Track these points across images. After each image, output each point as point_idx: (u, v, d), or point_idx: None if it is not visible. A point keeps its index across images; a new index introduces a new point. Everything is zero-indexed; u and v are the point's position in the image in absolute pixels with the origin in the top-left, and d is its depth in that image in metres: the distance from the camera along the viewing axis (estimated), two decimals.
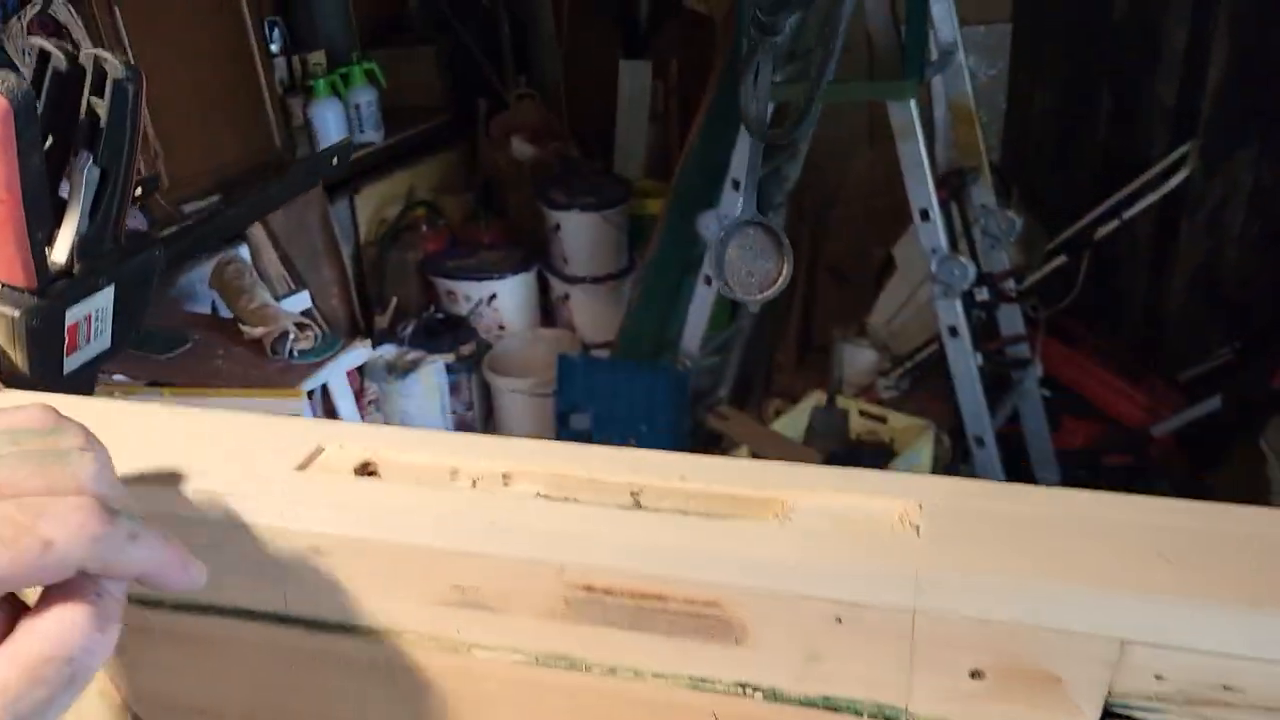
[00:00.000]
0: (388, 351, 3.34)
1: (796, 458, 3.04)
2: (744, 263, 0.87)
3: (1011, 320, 2.87)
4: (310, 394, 2.63)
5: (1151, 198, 3.04)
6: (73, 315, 0.52)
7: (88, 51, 0.51)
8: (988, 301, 2.73)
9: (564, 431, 3.26)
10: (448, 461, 0.44)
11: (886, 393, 3.61)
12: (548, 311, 3.92)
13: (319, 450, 0.45)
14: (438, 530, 0.41)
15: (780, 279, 0.85)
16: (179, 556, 0.39)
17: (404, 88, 3.92)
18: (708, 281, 2.99)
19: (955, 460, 3.38)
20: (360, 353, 2.64)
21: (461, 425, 3.60)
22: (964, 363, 2.60)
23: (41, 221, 0.49)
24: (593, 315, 3.80)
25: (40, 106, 0.52)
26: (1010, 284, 2.84)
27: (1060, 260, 3.11)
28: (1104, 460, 3.22)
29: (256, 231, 3.34)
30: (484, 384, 3.61)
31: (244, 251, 3.35)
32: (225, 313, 3.05)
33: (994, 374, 2.82)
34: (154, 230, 3.10)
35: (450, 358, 3.49)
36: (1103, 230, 3.08)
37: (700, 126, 3.14)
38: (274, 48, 3.55)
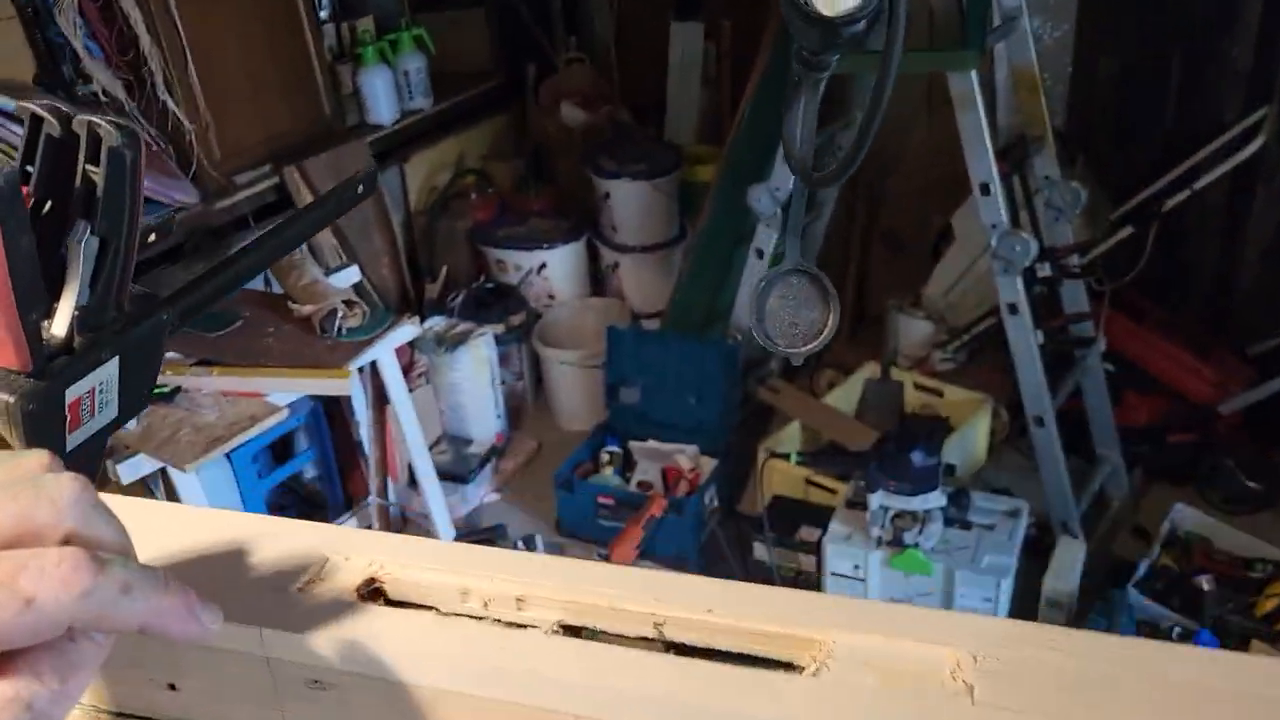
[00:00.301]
0: (437, 323, 3.32)
1: (850, 432, 2.99)
2: (787, 313, 0.82)
3: (1075, 297, 2.78)
4: (361, 370, 2.64)
5: (1224, 166, 2.92)
6: (74, 392, 0.49)
7: (81, 118, 0.47)
8: (1050, 277, 2.64)
9: (613, 403, 3.24)
10: (459, 580, 0.41)
11: (943, 365, 3.54)
12: (597, 280, 3.88)
13: (322, 563, 0.42)
14: (444, 669, 0.38)
15: (826, 329, 0.80)
16: (183, 605, 0.35)
17: (452, 53, 3.88)
18: (759, 254, 2.93)
19: (1012, 435, 3.31)
20: (408, 330, 2.63)
21: (511, 395, 3.59)
22: (1024, 341, 2.52)
23: (35, 302, 0.46)
24: (643, 284, 3.76)
25: (35, 173, 0.49)
26: (1074, 259, 2.74)
27: (1126, 231, 3.01)
28: (1168, 438, 3.13)
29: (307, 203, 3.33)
30: (534, 353, 3.60)
31: None
32: (277, 287, 3.06)
33: (1055, 352, 2.73)
34: (207, 203, 3.11)
35: (500, 328, 3.47)
36: (1172, 200, 2.96)
37: (751, 97, 3.06)
38: (322, 14, 3.52)
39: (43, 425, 0.48)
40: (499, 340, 3.40)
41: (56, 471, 0.36)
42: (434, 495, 2.84)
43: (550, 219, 3.81)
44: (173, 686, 0.41)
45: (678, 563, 2.97)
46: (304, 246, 3.04)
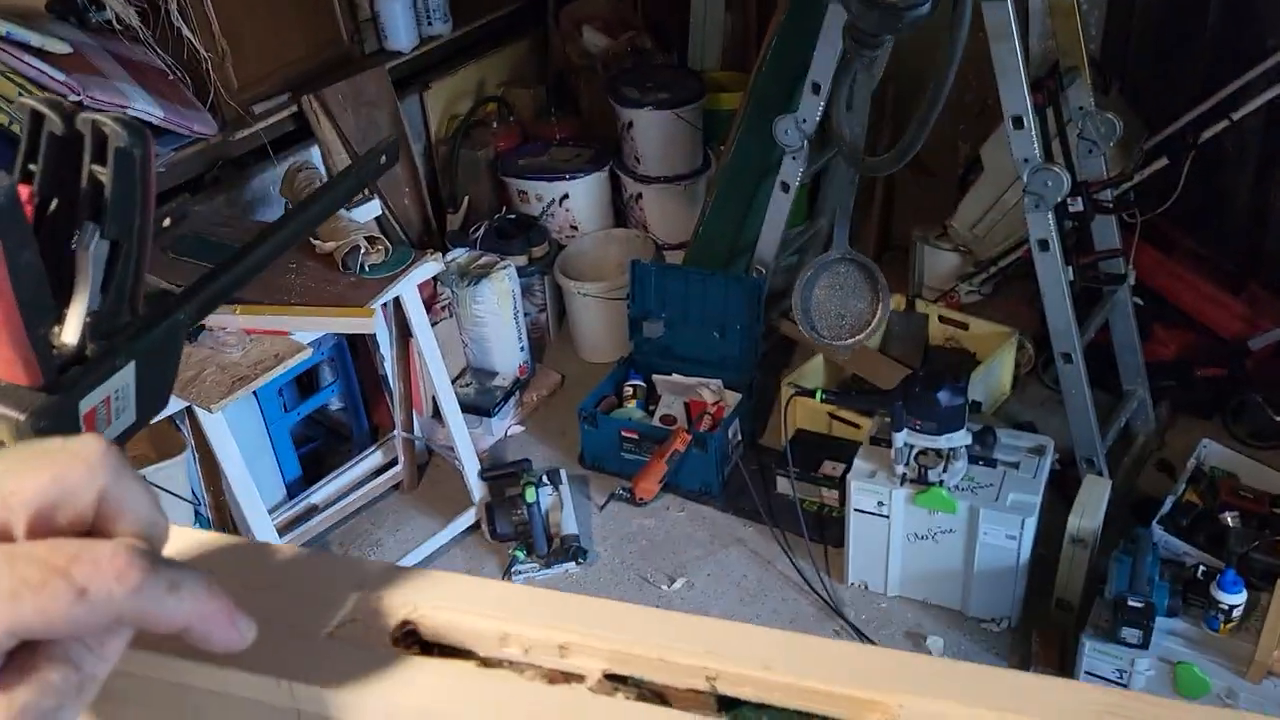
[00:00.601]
0: (459, 255, 3.30)
1: (874, 366, 2.97)
2: (834, 303, 0.80)
3: (1105, 231, 2.72)
4: (384, 305, 2.62)
5: (1265, 95, 2.83)
6: (88, 403, 0.48)
7: (84, 116, 0.45)
8: (1082, 213, 2.58)
9: (636, 337, 3.23)
10: (498, 625, 0.39)
11: (968, 297, 3.50)
12: (620, 211, 3.84)
13: (354, 604, 0.40)
14: None
15: (875, 320, 0.78)
16: (224, 610, 0.35)
17: None
18: (785, 188, 2.88)
19: (1036, 367, 3.28)
20: (431, 266, 2.61)
21: (534, 328, 3.57)
22: (1054, 278, 2.48)
23: (43, 314, 0.45)
24: (666, 215, 3.71)
25: (38, 172, 0.47)
26: (1107, 193, 2.68)
27: (1161, 163, 2.94)
28: (1196, 372, 3.09)
29: (327, 133, 3.30)
30: (556, 285, 3.57)
31: (315, 154, 3.31)
32: None
33: (1085, 287, 2.69)
34: (226, 133, 3.08)
35: (522, 260, 3.45)
36: (1209, 130, 2.88)
37: (777, 26, 2.98)
38: None
39: None
40: (521, 272, 3.38)
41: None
42: (458, 429, 2.85)
43: (572, 148, 3.75)
44: None
45: (701, 496, 2.98)
46: (324, 179, 3.01)
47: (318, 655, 0.39)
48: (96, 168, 0.46)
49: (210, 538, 0.45)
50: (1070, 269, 2.52)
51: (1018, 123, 2.37)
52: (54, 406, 0.46)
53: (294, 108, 3.27)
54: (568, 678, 0.38)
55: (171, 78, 2.93)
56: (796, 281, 0.89)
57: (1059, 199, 2.40)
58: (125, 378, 0.50)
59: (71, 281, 0.48)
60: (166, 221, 2.50)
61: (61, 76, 2.56)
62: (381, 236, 2.60)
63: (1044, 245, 2.47)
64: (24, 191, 0.47)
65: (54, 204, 0.48)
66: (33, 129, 0.47)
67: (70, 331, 0.48)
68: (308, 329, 2.38)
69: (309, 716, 0.38)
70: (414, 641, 0.40)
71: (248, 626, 0.36)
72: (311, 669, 0.38)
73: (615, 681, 0.38)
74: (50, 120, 0.47)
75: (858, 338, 0.73)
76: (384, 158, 0.76)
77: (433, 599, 0.41)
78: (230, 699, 0.38)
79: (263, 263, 0.61)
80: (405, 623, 0.40)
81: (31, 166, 0.48)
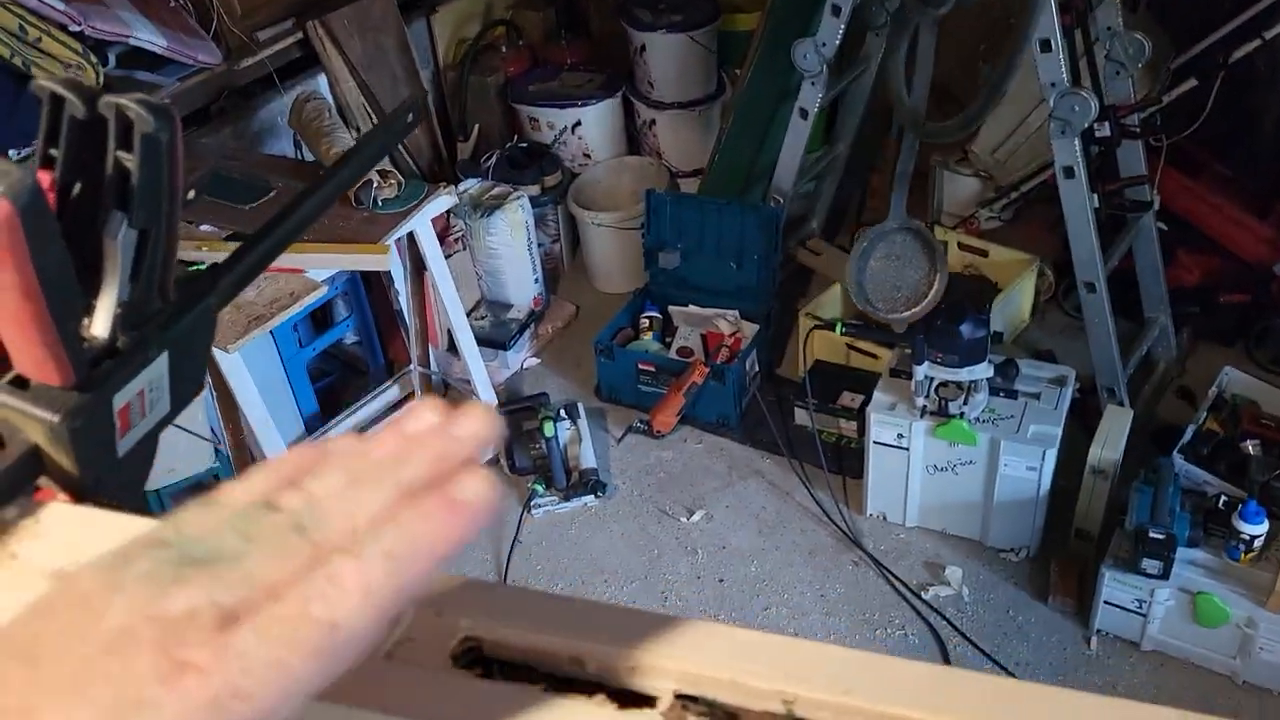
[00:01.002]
0: (471, 186, 3.25)
1: None
2: (889, 275, 0.77)
3: (1132, 158, 2.66)
4: (398, 241, 2.59)
5: None
6: (122, 398, 0.46)
7: (107, 100, 0.42)
8: (1109, 138, 2.52)
9: (652, 268, 3.19)
10: (564, 643, 0.38)
11: (988, 223, 3.44)
12: (633, 138, 3.77)
13: (410, 621, 0.39)
14: None
15: (932, 291, 0.75)
16: (444, 512, 0.35)
17: None
18: (804, 114, 2.82)
19: (1056, 293, 3.24)
20: (444, 200, 2.57)
21: (548, 258, 3.54)
22: (1080, 205, 2.43)
23: (72, 308, 0.43)
24: (680, 141, 3.64)
25: (59, 158, 0.44)
26: (1133, 117, 2.62)
27: (1189, 84, 2.86)
28: (1219, 298, 3.05)
29: (334, 61, 3.23)
30: (570, 215, 3.53)
31: (322, 83, 3.25)
32: (309, 154, 2.99)
33: (1110, 216, 2.64)
34: (230, 62, 3.02)
35: (535, 189, 3.40)
36: (1240, 50, 2.80)
37: None
38: None
39: (91, 439, 0.45)
40: (534, 202, 3.33)
41: (315, 498, 0.34)
42: (474, 362, 2.84)
43: (583, 73, 3.67)
44: None
45: (719, 428, 2.97)
46: (333, 110, 2.96)
47: (374, 678, 0.37)
48: (122, 154, 0.44)
49: None
50: (1095, 196, 2.47)
51: (1045, 46, 2.30)
52: (88, 406, 0.44)
53: (299, 34, 3.20)
54: (638, 701, 0.36)
55: (174, 4, 2.86)
56: (851, 253, 0.86)
57: (1086, 124, 2.34)
58: (159, 369, 0.48)
59: (97, 268, 0.46)
60: (191, 194, 2.45)
61: (61, 5, 2.50)
62: (393, 169, 2.56)
63: (1069, 172, 2.42)
64: (45, 178, 0.45)
65: (77, 188, 0.46)
66: (53, 112, 0.45)
67: (100, 324, 0.45)
68: (323, 266, 2.36)
69: None
70: (475, 660, 0.39)
71: (476, 485, 0.37)
72: (368, 693, 0.36)
73: (685, 701, 0.36)
74: (71, 103, 0.44)
75: (914, 310, 0.70)
76: (410, 116, 0.74)
77: (493, 614, 0.39)
78: None
79: (292, 236, 0.59)
80: (466, 639, 0.38)
81: (53, 151, 0.45)
